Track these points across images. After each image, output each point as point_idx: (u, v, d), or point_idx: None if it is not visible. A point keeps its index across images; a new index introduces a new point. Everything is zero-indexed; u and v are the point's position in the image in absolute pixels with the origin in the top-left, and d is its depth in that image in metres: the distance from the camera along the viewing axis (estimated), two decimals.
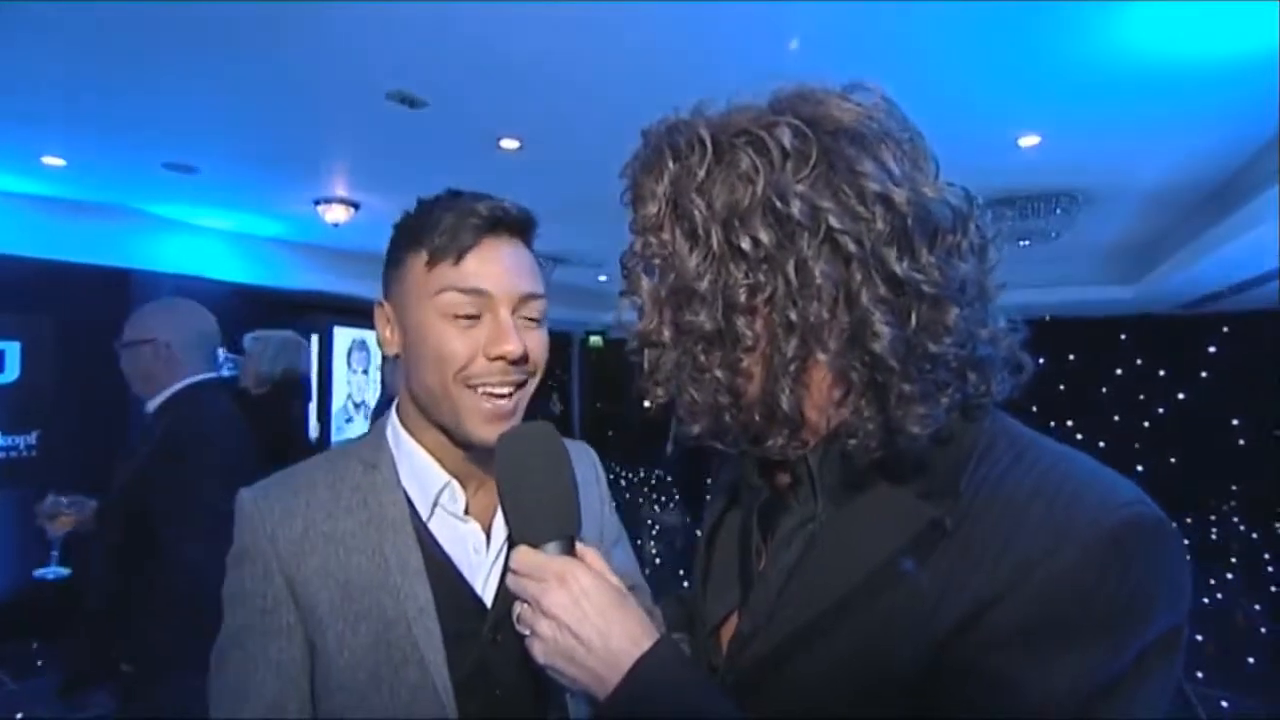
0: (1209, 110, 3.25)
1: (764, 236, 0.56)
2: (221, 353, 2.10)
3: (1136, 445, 8.16)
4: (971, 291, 0.57)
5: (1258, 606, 5.28)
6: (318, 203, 4.84)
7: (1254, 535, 7.22)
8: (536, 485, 0.69)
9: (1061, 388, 8.04)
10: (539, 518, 0.68)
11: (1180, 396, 8.20)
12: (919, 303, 0.55)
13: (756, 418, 0.60)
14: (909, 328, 0.54)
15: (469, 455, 0.86)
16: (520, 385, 0.83)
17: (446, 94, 3.15)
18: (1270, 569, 6.14)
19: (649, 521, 7.60)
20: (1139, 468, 7.37)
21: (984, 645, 0.52)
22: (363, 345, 6.53)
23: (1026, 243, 5.12)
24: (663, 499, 8.51)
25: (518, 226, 0.85)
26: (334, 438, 5.98)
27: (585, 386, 12.05)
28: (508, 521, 0.70)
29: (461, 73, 2.93)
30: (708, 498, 0.84)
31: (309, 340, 3.78)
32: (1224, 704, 3.73)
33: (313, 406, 6.02)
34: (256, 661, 0.77)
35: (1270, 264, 4.79)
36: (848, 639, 0.57)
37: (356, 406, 6.45)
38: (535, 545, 0.67)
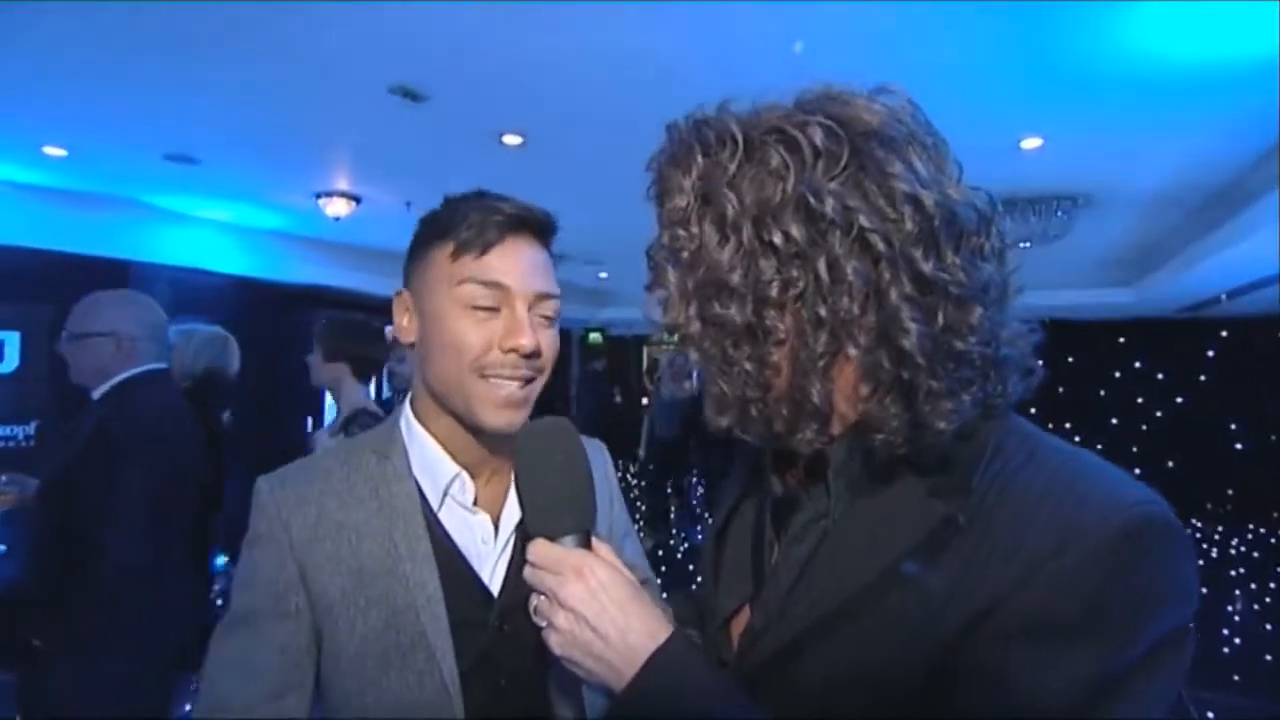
0: (1212, 114, 3.25)
1: (795, 232, 0.57)
2: None
3: (1134, 449, 8.19)
4: (994, 293, 0.58)
5: (1255, 606, 5.31)
6: (319, 196, 4.84)
7: (1250, 539, 7.25)
8: (555, 479, 0.70)
9: (1060, 390, 8.06)
10: (557, 511, 0.68)
11: (1178, 400, 8.23)
12: (945, 302, 0.56)
13: (784, 411, 0.61)
14: (936, 326, 0.55)
15: (479, 446, 0.88)
16: (530, 380, 0.85)
17: (449, 89, 3.15)
18: (1267, 573, 6.16)
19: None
20: (1136, 471, 7.28)
21: (994, 641, 0.52)
22: None
23: (1027, 245, 5.14)
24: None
25: (540, 228, 0.88)
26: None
27: (584, 384, 12.06)
28: (525, 514, 0.71)
29: (464, 68, 2.93)
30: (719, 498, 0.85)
31: (308, 334, 3.75)
32: (1220, 708, 3.75)
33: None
34: (263, 641, 0.79)
35: (1270, 269, 4.81)
36: (859, 634, 0.57)
37: None
38: (553, 538, 0.67)
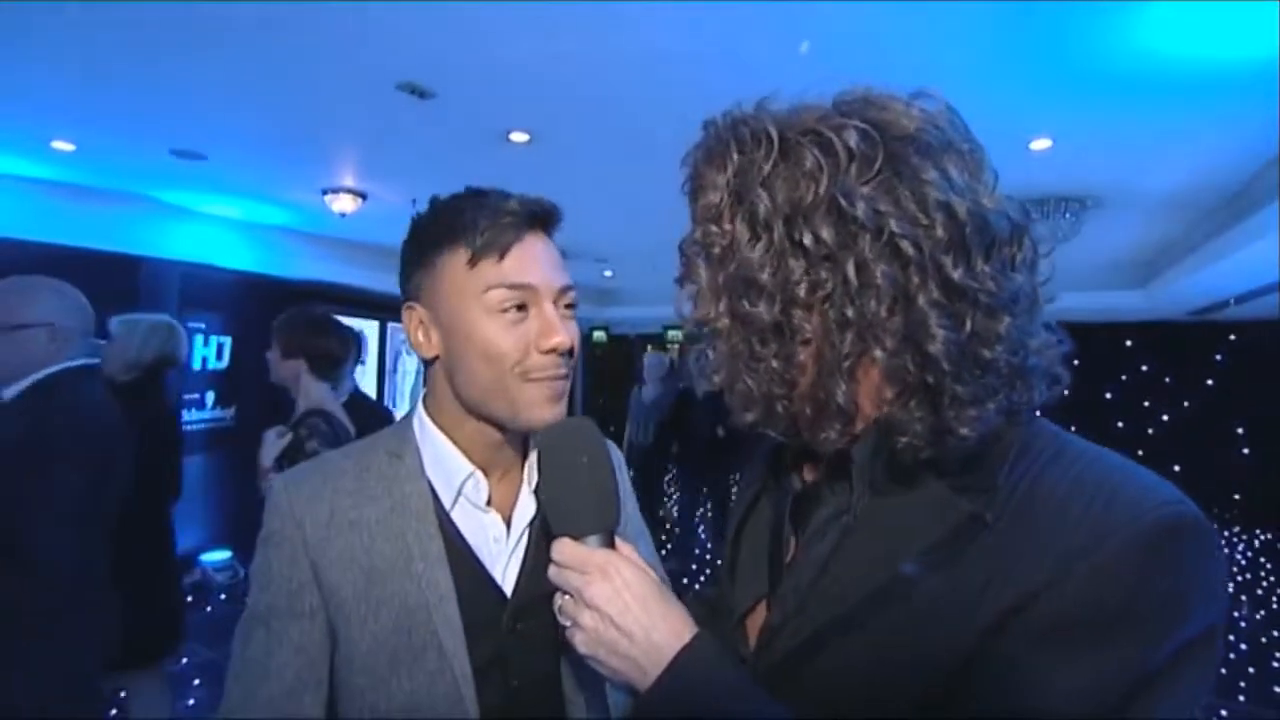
0: (1222, 117, 3.23)
1: (826, 234, 0.57)
2: None
3: (1140, 452, 8.13)
4: (1024, 302, 0.58)
5: (1261, 613, 5.28)
6: (325, 192, 4.84)
7: (1258, 545, 7.21)
8: (581, 478, 0.70)
9: (1065, 392, 8.01)
10: (583, 511, 0.68)
11: (1186, 404, 8.18)
12: (973, 310, 0.56)
13: (808, 410, 0.61)
14: (963, 333, 0.55)
15: (498, 446, 0.88)
16: (567, 374, 0.85)
17: (456, 86, 3.14)
18: (1274, 577, 6.13)
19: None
20: None
21: (1022, 640, 0.51)
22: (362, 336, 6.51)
23: None
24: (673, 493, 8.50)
25: (550, 220, 0.87)
26: None
27: (589, 382, 12.07)
28: (548, 513, 0.70)
29: (471, 65, 2.93)
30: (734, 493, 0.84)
31: None
32: (1224, 713, 3.73)
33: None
34: (280, 641, 0.79)
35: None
36: (881, 632, 0.57)
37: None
38: (577, 538, 0.67)
